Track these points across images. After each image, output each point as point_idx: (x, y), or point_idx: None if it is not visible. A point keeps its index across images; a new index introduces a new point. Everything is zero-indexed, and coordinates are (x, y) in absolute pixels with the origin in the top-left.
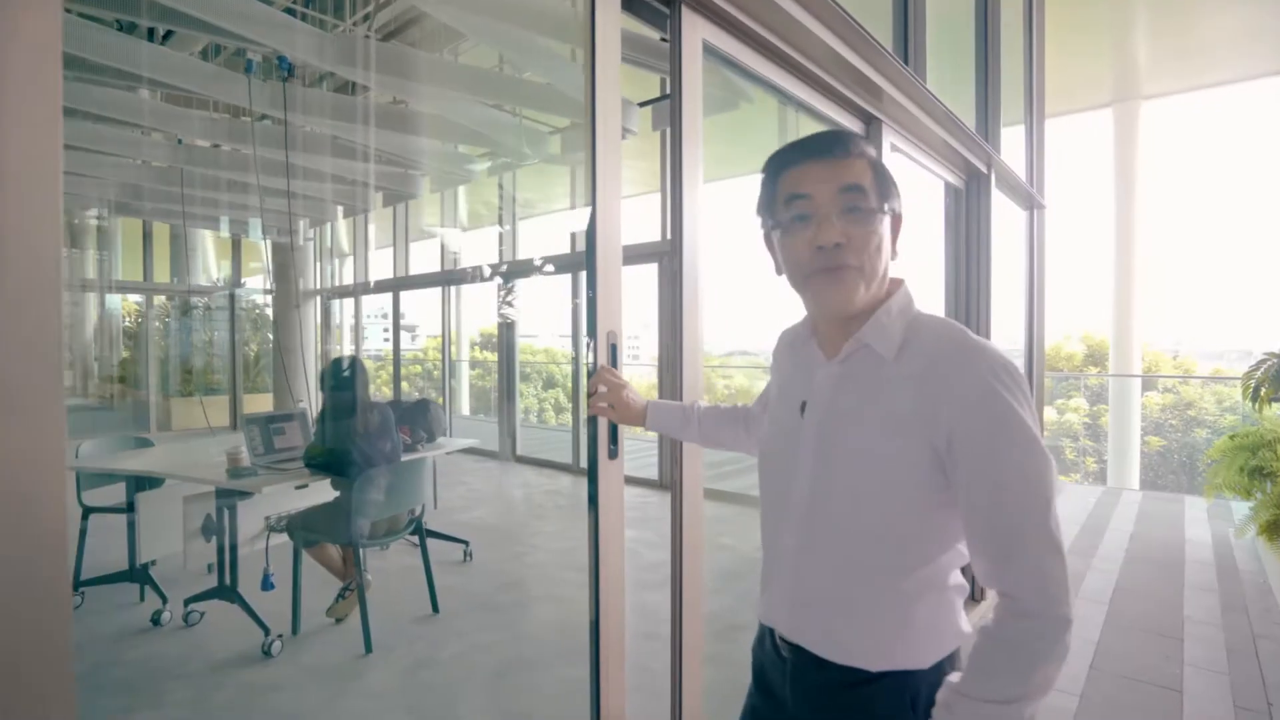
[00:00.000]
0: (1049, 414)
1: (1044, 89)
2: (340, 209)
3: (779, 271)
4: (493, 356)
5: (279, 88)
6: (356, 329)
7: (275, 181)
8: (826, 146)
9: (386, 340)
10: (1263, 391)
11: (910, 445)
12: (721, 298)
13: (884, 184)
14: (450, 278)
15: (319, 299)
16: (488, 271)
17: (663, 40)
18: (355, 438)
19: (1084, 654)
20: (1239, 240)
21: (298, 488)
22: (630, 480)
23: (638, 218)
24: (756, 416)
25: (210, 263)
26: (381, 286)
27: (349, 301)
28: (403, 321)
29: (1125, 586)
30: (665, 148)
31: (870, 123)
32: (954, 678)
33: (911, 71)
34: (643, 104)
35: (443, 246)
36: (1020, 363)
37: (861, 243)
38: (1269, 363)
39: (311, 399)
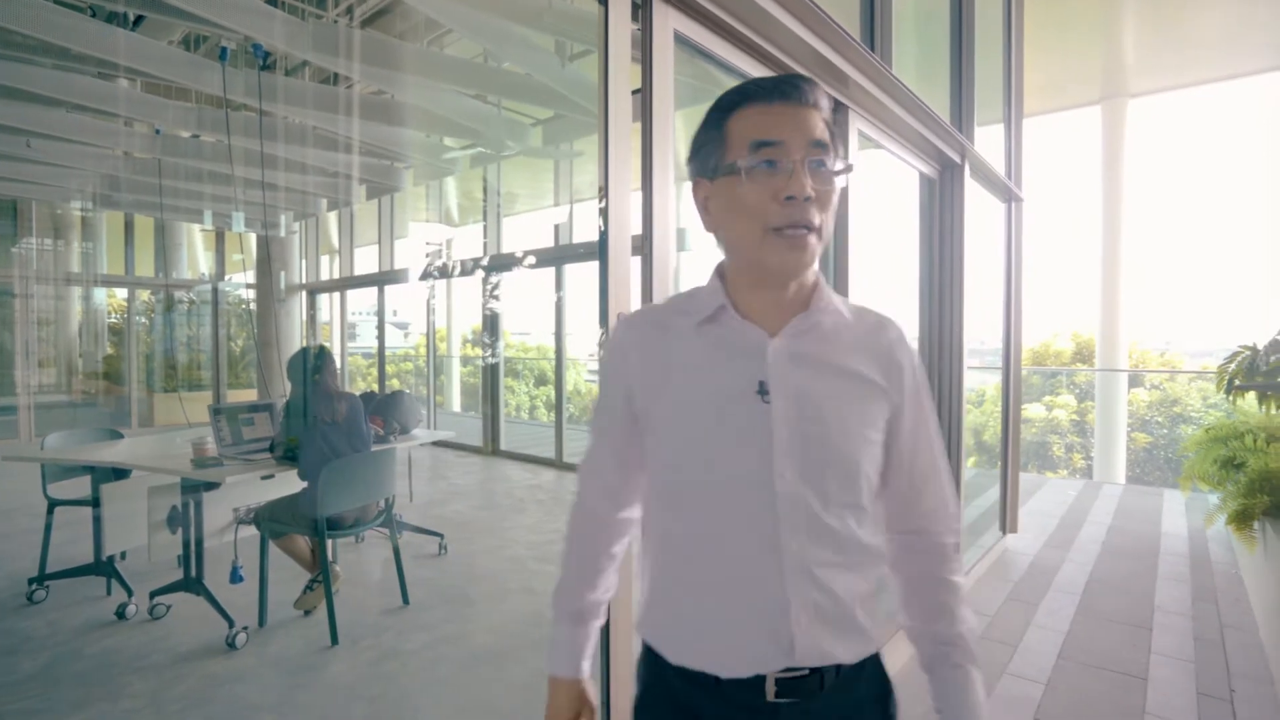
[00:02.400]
0: (1038, 410)
1: (1023, 84)
2: (324, 201)
3: (709, 227)
4: (478, 353)
5: (254, 76)
6: (342, 324)
7: (257, 173)
8: (799, 91)
9: (377, 337)
10: (1237, 383)
11: (879, 408)
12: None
13: (839, 144)
14: (432, 273)
15: (304, 293)
16: (472, 266)
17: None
18: (323, 428)
19: (1053, 643)
20: (1225, 237)
21: (264, 478)
22: None
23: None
24: (627, 442)
25: (193, 256)
26: (367, 281)
27: (337, 296)
28: (396, 318)
29: (1099, 578)
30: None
31: (837, 109)
32: (942, 630)
33: (878, 58)
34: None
35: (427, 241)
36: (998, 357)
37: (825, 200)
38: (1242, 355)
39: (287, 393)
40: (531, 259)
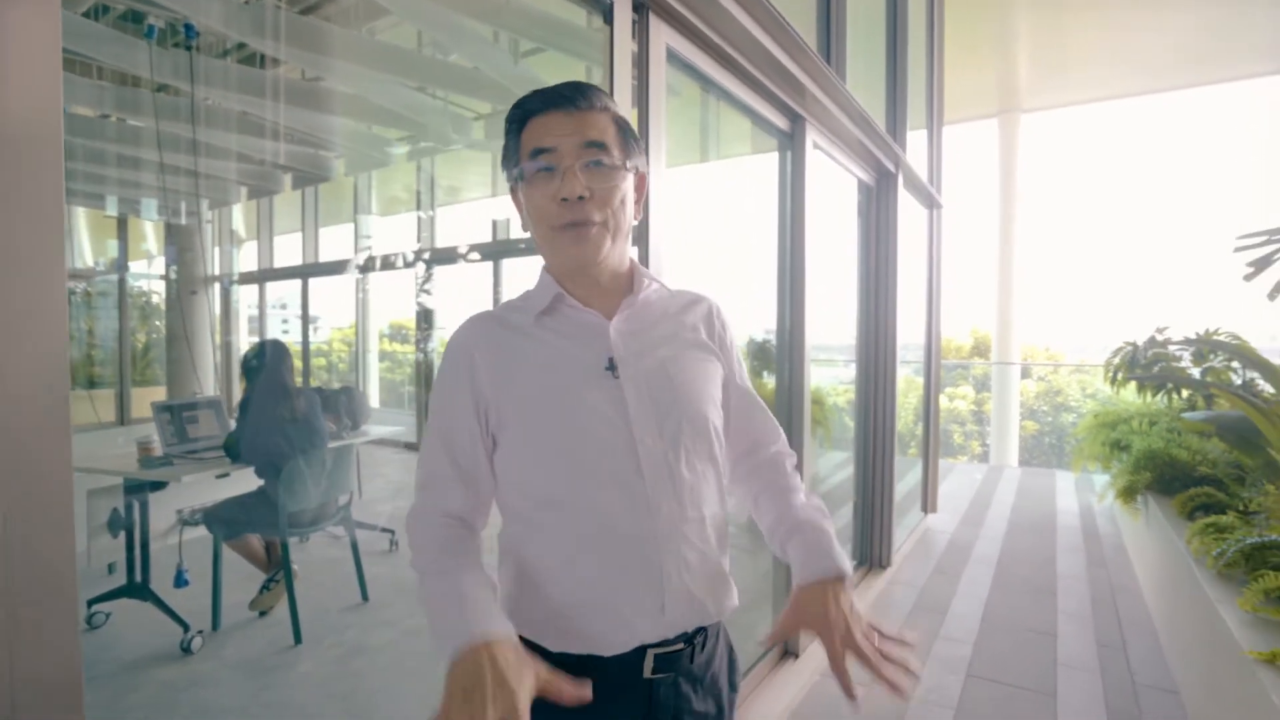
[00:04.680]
0: (941, 401)
1: (944, 95)
2: (244, 190)
3: (524, 227)
4: (404, 348)
5: (182, 56)
6: (261, 317)
7: (171, 158)
8: (569, 97)
9: (285, 332)
10: (1120, 375)
11: (714, 367)
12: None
13: (627, 140)
14: (367, 265)
15: (218, 285)
16: (410, 258)
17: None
18: (282, 424)
19: (976, 610)
20: (1107, 246)
21: (219, 477)
22: None
23: None
24: (473, 443)
25: (99, 245)
26: (290, 273)
27: (252, 289)
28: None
29: (1009, 550)
30: None
31: (795, 120)
32: (794, 514)
33: (834, 72)
34: None
35: (356, 232)
36: (919, 353)
37: (605, 197)
38: (1125, 350)
39: (207, 389)
40: (476, 254)
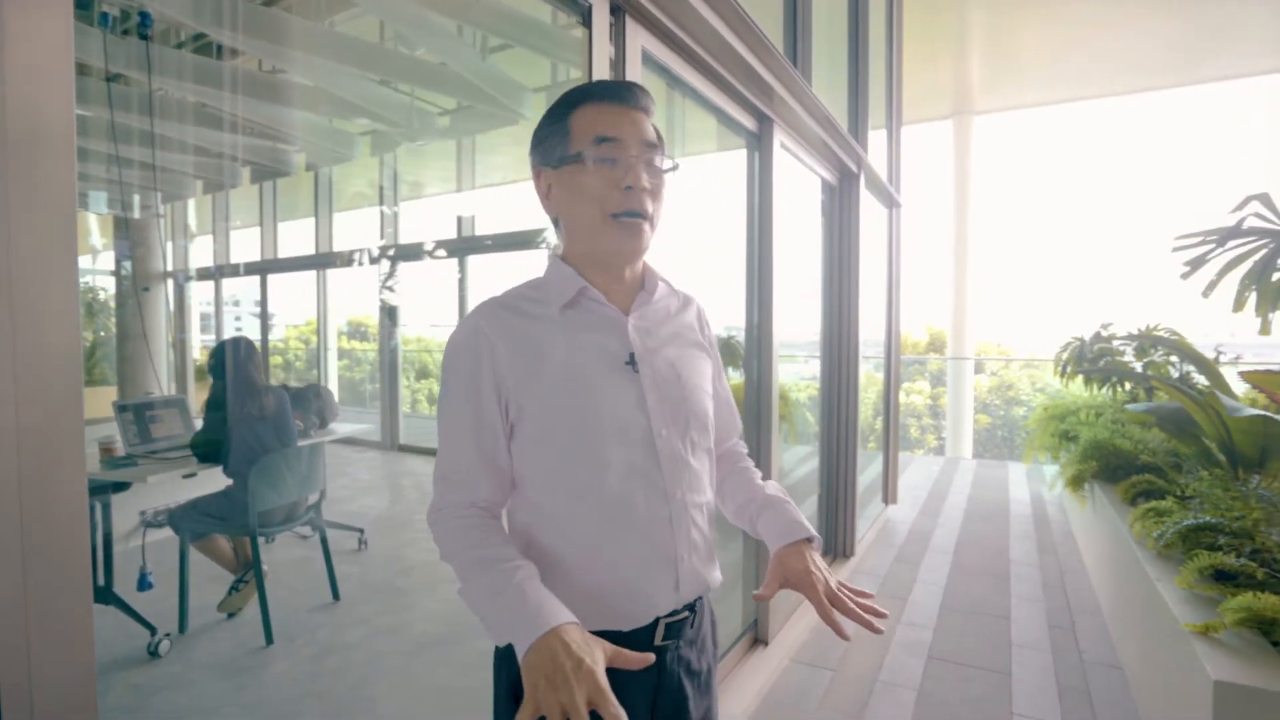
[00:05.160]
0: (902, 398)
1: (902, 95)
2: (200, 183)
3: (551, 213)
4: (363, 346)
5: (138, 45)
6: (217, 314)
7: (124, 150)
8: (634, 94)
9: (239, 329)
10: (1068, 369)
11: (707, 365)
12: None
13: (663, 144)
14: (328, 261)
15: (171, 282)
16: (373, 254)
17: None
18: (251, 422)
19: (935, 596)
20: (1055, 244)
21: (185, 477)
22: None
23: (521, 204)
24: (496, 434)
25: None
26: (248, 269)
27: (205, 286)
28: (257, 310)
29: (966, 538)
30: None
31: (764, 121)
32: (762, 495)
33: (800, 75)
34: (537, 90)
35: (317, 228)
36: (879, 349)
37: (656, 193)
38: (1072, 345)
39: (164, 388)
40: (441, 251)
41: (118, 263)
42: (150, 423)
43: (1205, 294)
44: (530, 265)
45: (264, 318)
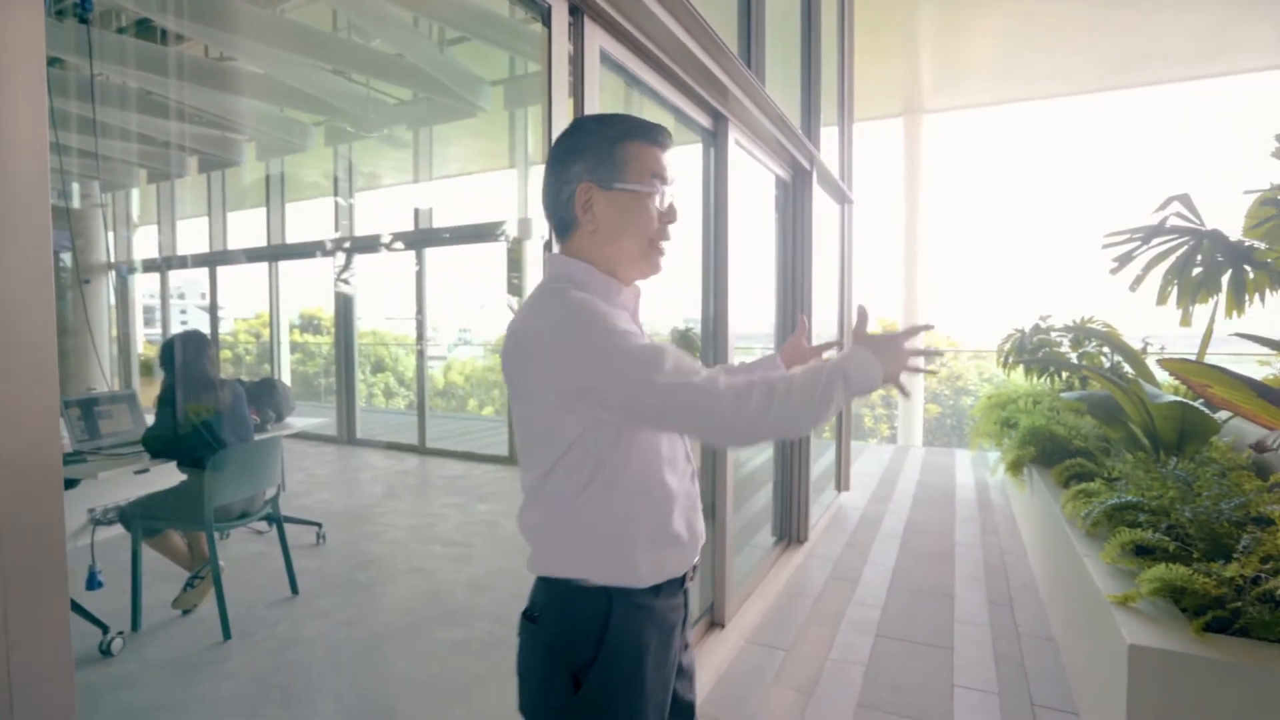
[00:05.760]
0: None
1: (854, 95)
2: (144, 172)
3: (589, 224)
4: (317, 339)
5: (78, 30)
6: (164, 308)
7: (63, 137)
8: (670, 142)
9: (185, 322)
10: (1009, 359)
11: None
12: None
13: None
14: (280, 252)
15: (114, 274)
16: (328, 246)
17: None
18: (205, 417)
19: (884, 577)
20: (1001, 239)
21: (137, 473)
22: (478, 457)
23: (478, 196)
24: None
25: None
26: (196, 261)
27: (148, 278)
28: (203, 303)
29: (914, 523)
30: (513, 126)
31: (719, 119)
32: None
33: (754, 76)
34: (495, 82)
35: (269, 219)
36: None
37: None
38: (1014, 336)
39: (109, 383)
40: (399, 243)
41: (57, 254)
42: (98, 419)
43: (1132, 288)
44: (488, 258)
45: (213, 310)
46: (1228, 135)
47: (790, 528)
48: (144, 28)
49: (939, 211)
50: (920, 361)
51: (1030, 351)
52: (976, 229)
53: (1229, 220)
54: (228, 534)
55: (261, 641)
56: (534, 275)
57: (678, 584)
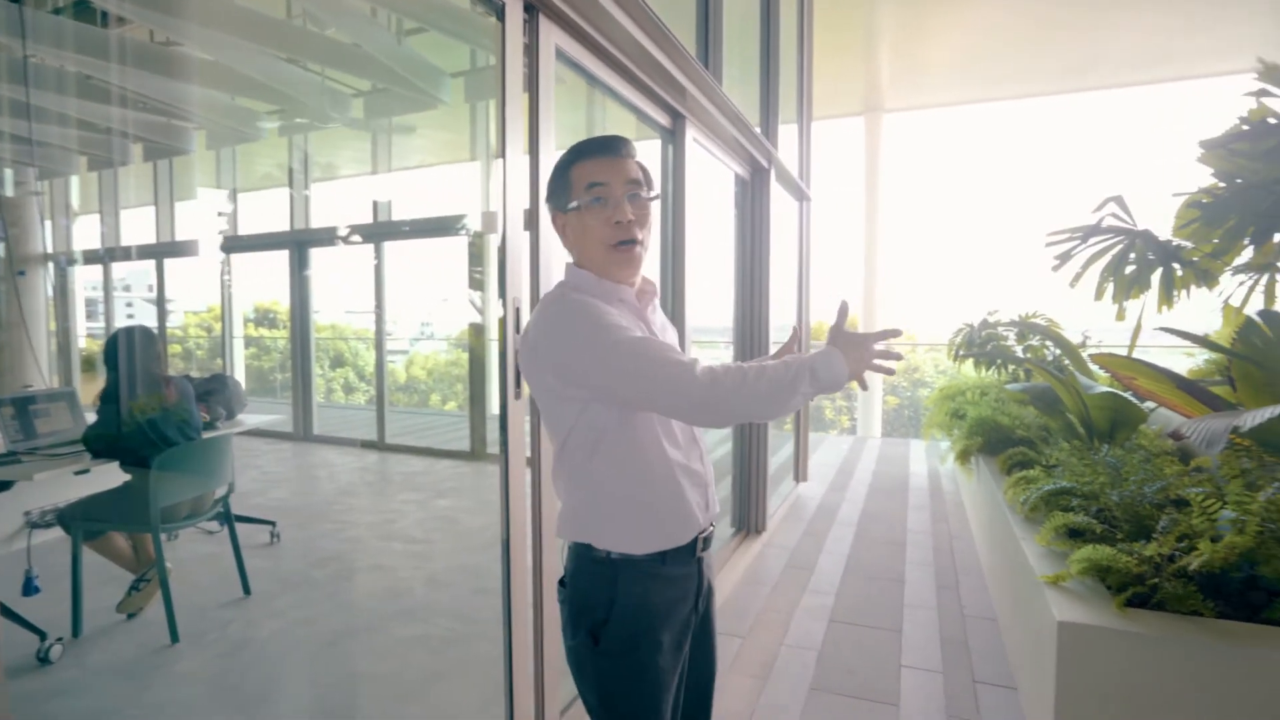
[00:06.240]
0: None
1: (813, 94)
2: (84, 160)
3: (568, 246)
4: (273, 333)
5: (9, 9)
6: (107, 301)
7: None
8: (613, 147)
9: (131, 316)
10: (960, 352)
11: None
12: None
13: (649, 179)
14: (233, 244)
15: (52, 265)
16: (282, 238)
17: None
18: (151, 414)
19: (839, 564)
20: (956, 236)
21: (77, 474)
22: (439, 452)
23: (439, 189)
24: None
25: None
26: (142, 253)
27: (87, 270)
28: (150, 295)
29: (868, 511)
30: (474, 119)
31: (677, 118)
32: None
33: (711, 76)
34: (455, 74)
35: (220, 210)
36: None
37: (642, 220)
38: (964, 330)
39: (46, 380)
40: (357, 236)
41: None
42: (34, 417)
43: (1072, 285)
44: (450, 252)
45: (160, 304)
46: (1161, 140)
47: (749, 518)
48: (83, 8)
49: (898, 209)
50: (885, 362)
51: (979, 345)
52: (933, 226)
53: (1159, 221)
54: (175, 535)
55: (212, 644)
56: (496, 268)
57: (687, 552)
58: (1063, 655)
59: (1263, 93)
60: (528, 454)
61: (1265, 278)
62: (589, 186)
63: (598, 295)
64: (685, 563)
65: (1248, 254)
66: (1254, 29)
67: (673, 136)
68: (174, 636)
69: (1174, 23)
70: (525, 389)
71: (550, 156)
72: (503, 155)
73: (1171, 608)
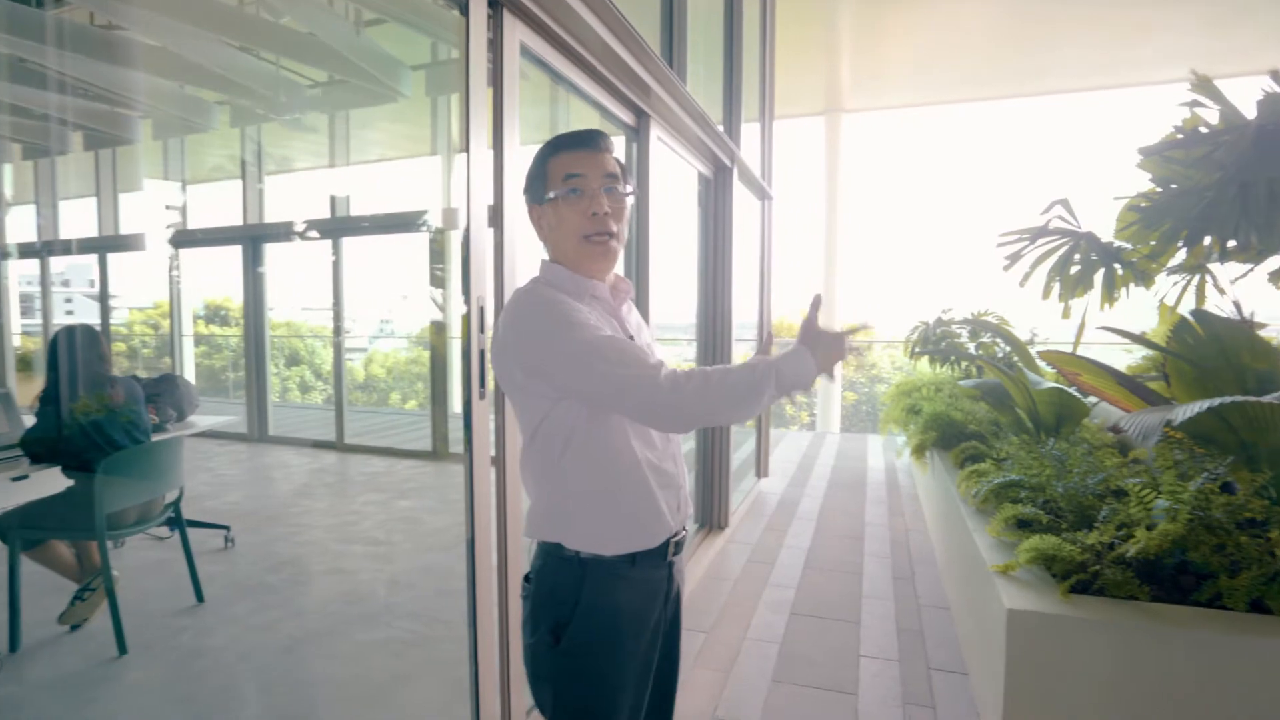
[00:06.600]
0: None
1: (774, 95)
2: (18, 148)
3: (543, 239)
4: (225, 331)
5: None
6: (45, 297)
7: None
8: (591, 141)
9: (70, 312)
10: (916, 349)
11: None
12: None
13: (626, 174)
14: (182, 238)
15: None
16: (234, 233)
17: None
18: (95, 416)
19: (799, 558)
20: (914, 235)
21: (15, 479)
22: (400, 452)
23: (399, 184)
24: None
25: None
26: (83, 246)
27: (32, 263)
28: (92, 291)
29: (828, 506)
30: (435, 113)
31: (641, 116)
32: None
33: (675, 75)
34: (416, 67)
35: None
36: (753, 332)
37: (618, 214)
38: (919, 327)
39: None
40: (314, 232)
41: None
42: None
43: (1021, 284)
44: (410, 248)
45: (104, 300)
46: (1105, 145)
47: (711, 515)
48: None
49: (857, 208)
50: (851, 354)
51: (934, 342)
52: (892, 225)
53: (1102, 223)
54: (121, 542)
55: (162, 653)
56: (458, 266)
57: (658, 555)
58: (1012, 641)
59: (1195, 103)
60: (493, 453)
61: (1196, 278)
62: (566, 178)
63: (570, 291)
64: (656, 566)
65: (1181, 256)
66: (1193, 41)
67: (637, 134)
68: (122, 648)
69: (1117, 33)
70: (490, 387)
71: (515, 153)
72: (467, 152)
73: (1111, 593)
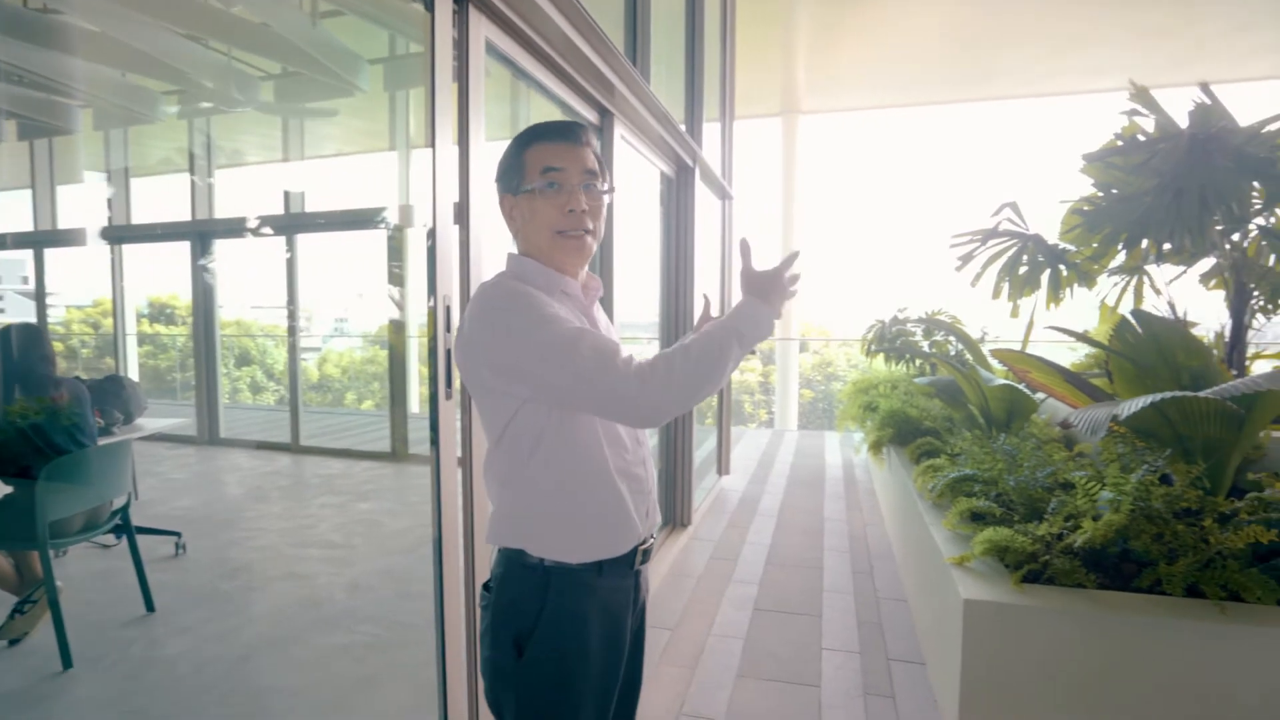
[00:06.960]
0: (736, 376)
1: (735, 93)
2: None
3: (514, 231)
4: (171, 330)
5: None
6: None
7: None
8: (573, 132)
9: (1, 311)
10: (872, 348)
11: None
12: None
13: (604, 171)
14: (124, 233)
15: None
16: (182, 228)
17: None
18: (35, 419)
19: (761, 555)
20: (870, 235)
21: None
22: (357, 454)
23: (356, 180)
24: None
25: None
26: (18, 241)
27: None
28: (26, 288)
29: (788, 502)
30: (394, 108)
31: (605, 115)
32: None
33: (639, 74)
34: (374, 61)
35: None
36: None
37: (596, 212)
38: (875, 326)
39: None
40: (267, 228)
41: None
42: None
43: (972, 284)
44: (367, 246)
45: (40, 298)
46: (1051, 150)
47: (674, 513)
48: None
49: (814, 208)
50: (795, 286)
51: (890, 340)
52: (847, 225)
53: (1049, 225)
54: (64, 551)
55: (111, 666)
56: (416, 264)
57: (625, 564)
58: (968, 630)
59: (1134, 112)
60: (459, 454)
61: (1135, 279)
62: (544, 170)
63: (541, 285)
64: (623, 575)
65: (1121, 258)
66: (1127, 54)
67: (600, 133)
68: (66, 661)
69: (1055, 44)
70: (456, 388)
71: (480, 149)
72: (432, 149)
73: (1060, 582)
